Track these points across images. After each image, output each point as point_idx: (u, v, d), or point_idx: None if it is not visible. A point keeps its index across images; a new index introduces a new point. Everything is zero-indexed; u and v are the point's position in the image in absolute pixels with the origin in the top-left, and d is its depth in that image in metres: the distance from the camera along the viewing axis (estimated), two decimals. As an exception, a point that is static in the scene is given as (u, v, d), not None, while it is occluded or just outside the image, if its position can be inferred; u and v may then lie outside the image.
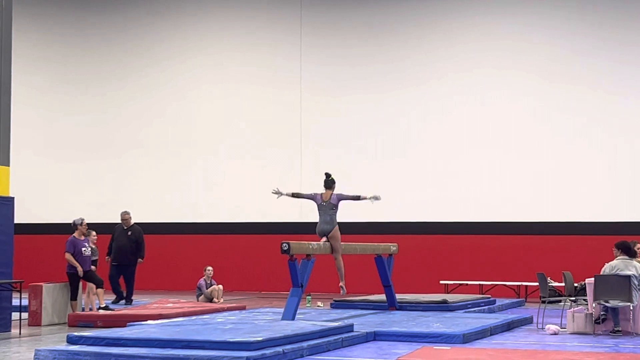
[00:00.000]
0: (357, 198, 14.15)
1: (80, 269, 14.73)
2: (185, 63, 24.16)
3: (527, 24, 21.56)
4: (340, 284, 14.14)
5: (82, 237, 15.13)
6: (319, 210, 13.99)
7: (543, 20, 21.48)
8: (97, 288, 15.31)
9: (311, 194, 14.16)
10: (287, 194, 14.27)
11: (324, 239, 13.92)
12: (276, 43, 23.42)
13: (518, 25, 21.65)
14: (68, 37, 25.07)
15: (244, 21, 23.79)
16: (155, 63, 24.39)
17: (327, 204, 13.91)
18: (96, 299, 15.45)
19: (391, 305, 15.49)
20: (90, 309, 15.23)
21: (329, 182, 14.08)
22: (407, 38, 22.51)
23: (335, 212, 13.95)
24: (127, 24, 24.71)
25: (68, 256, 14.79)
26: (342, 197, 13.99)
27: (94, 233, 16.20)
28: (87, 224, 15.40)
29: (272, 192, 14.26)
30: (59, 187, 24.60)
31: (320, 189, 14.25)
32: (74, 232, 15.13)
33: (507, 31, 21.72)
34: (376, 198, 14.18)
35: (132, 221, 18.57)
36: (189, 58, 24.15)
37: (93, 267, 15.60)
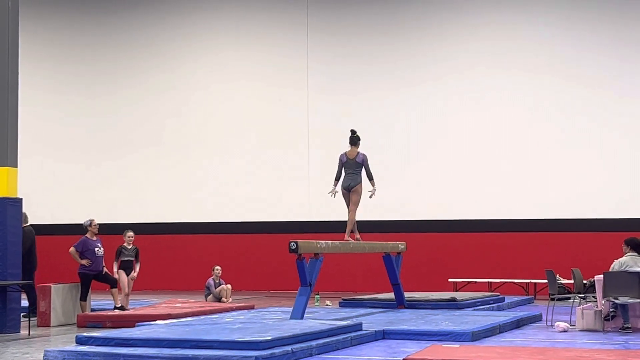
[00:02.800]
0: (370, 179, 14.31)
1: (84, 263, 14.71)
2: (193, 63, 24.17)
3: (540, 21, 21.55)
4: (346, 237, 14.35)
5: (95, 238, 15.10)
6: (344, 168, 14.29)
7: (555, 17, 21.46)
8: (111, 288, 15.30)
9: (339, 162, 14.34)
10: (334, 186, 14.41)
11: (347, 236, 14.18)
12: (283, 43, 23.43)
13: (520, 24, 21.65)
14: (76, 38, 25.11)
15: (251, 21, 23.80)
16: (163, 63, 24.41)
17: (353, 162, 14.26)
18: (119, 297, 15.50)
19: (400, 303, 15.48)
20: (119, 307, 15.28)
21: (354, 139, 14.40)
22: (413, 37, 22.50)
23: (360, 170, 14.27)
24: (135, 24, 24.74)
25: (72, 250, 14.81)
26: (365, 161, 14.27)
27: (130, 233, 15.72)
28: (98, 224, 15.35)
29: (329, 194, 14.49)
30: (68, 188, 24.64)
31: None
32: (86, 234, 15.13)
33: (510, 31, 21.71)
34: (373, 193, 14.40)
35: (29, 222, 15.11)
36: (197, 58, 24.16)
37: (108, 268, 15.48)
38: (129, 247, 15.60)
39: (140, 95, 24.51)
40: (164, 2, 24.59)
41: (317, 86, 22.99)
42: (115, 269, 15.32)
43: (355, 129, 14.54)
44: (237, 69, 23.88)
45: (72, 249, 14.86)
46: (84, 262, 14.74)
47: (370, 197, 14.45)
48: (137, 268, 15.61)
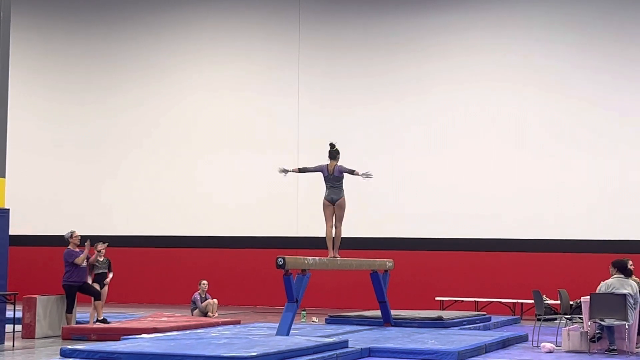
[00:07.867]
0: (352, 172, 14.17)
1: (85, 253, 14.66)
2: (182, 73, 24.16)
3: (526, 39, 21.63)
4: (335, 254, 14.21)
5: (77, 249, 15.05)
6: (325, 181, 14.20)
7: (542, 35, 21.55)
8: (94, 300, 15.24)
9: (318, 166, 14.26)
10: (293, 170, 14.40)
11: (335, 252, 14.10)
12: (274, 54, 23.45)
13: (514, 40, 21.72)
14: (66, 47, 25.06)
15: (242, 33, 23.80)
16: (154, 73, 24.37)
17: (333, 177, 14.15)
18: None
19: (386, 321, 15.45)
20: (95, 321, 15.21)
21: (334, 153, 14.24)
22: (404, 51, 22.56)
23: (341, 182, 14.17)
24: (125, 34, 24.71)
25: (77, 260, 14.68)
26: (342, 169, 14.17)
27: (100, 245, 15.73)
28: (83, 236, 15.27)
29: (279, 172, 14.34)
30: (55, 198, 24.54)
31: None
32: (68, 245, 15.07)
33: (503, 46, 21.79)
34: (367, 175, 14.20)
35: None
36: (186, 69, 24.15)
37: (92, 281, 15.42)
38: (101, 260, 15.61)
39: (130, 105, 24.43)
40: (153, 13, 24.57)
41: (308, 100, 23.01)
42: (89, 282, 15.29)
43: (334, 143, 14.36)
44: (227, 82, 23.87)
45: (77, 259, 14.70)
46: (85, 252, 14.62)
47: (368, 175, 14.16)
48: (110, 277, 15.79)
